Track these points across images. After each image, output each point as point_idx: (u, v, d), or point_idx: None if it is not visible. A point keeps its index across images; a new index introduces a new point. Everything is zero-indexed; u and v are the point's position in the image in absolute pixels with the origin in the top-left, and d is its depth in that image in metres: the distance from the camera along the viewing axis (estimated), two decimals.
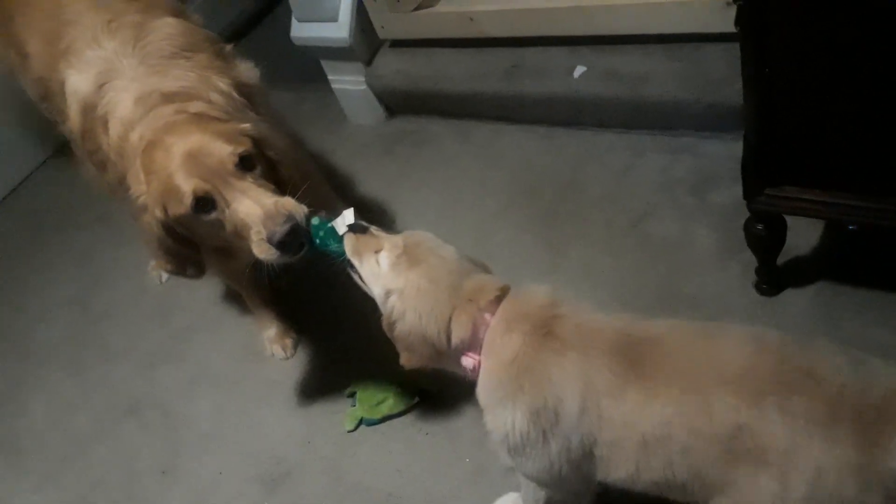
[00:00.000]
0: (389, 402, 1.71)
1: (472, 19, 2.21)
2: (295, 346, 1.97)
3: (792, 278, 1.62)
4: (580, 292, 1.78)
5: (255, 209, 1.40)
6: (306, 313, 2.03)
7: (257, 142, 1.52)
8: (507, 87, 2.21)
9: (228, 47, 1.83)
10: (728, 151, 1.86)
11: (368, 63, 2.45)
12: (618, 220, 1.92)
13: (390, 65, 2.43)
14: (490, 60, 2.26)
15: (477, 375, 1.18)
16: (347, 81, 2.52)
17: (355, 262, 1.27)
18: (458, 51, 2.33)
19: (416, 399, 1.70)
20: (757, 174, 1.44)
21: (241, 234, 1.44)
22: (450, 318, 1.16)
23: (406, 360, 1.23)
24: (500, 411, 1.14)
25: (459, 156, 2.31)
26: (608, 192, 2.00)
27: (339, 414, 1.77)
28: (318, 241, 1.39)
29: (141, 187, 1.49)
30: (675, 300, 1.70)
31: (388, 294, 1.20)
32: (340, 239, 1.33)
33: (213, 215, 1.44)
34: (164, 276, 2.32)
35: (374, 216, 2.20)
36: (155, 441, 1.91)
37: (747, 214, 1.53)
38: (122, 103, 1.56)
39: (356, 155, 2.47)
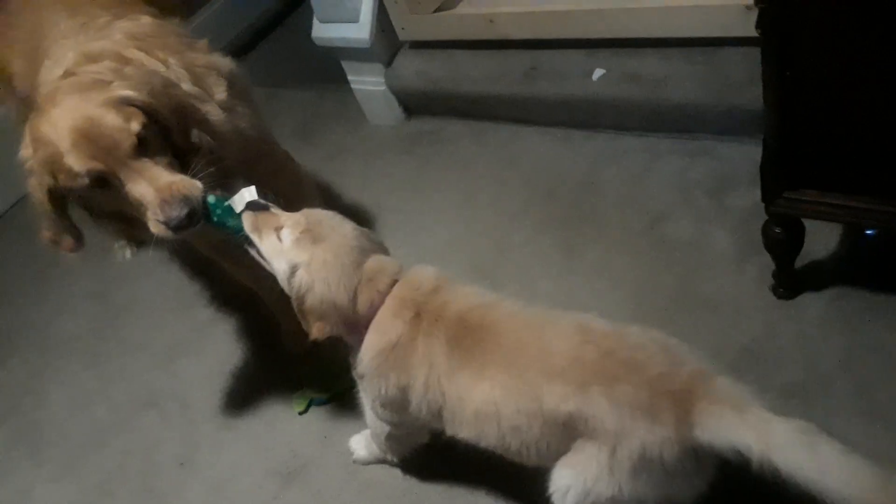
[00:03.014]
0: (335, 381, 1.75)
1: (492, 21, 2.23)
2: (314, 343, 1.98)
3: (809, 282, 1.62)
4: (597, 293, 1.81)
5: (150, 193, 1.38)
6: None
7: (149, 107, 1.43)
8: (526, 88, 2.23)
9: (202, 42, 1.73)
10: (746, 154, 1.87)
11: (388, 64, 2.48)
12: (635, 222, 1.93)
13: (410, 66, 2.46)
14: (509, 62, 2.28)
15: (360, 346, 1.32)
16: (367, 82, 2.54)
17: (254, 238, 1.33)
18: (478, 52, 2.35)
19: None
20: (776, 177, 1.45)
21: (137, 210, 1.42)
22: (356, 289, 1.27)
23: (319, 330, 1.30)
24: (377, 381, 1.31)
25: (477, 157, 2.33)
26: (625, 194, 2.01)
27: (354, 409, 1.78)
28: (215, 218, 1.40)
29: (28, 151, 1.45)
30: (691, 302, 1.70)
31: (293, 268, 1.27)
32: (238, 216, 1.36)
33: (109, 191, 1.42)
34: (129, 253, 2.36)
35: (390, 216, 2.23)
36: (173, 433, 1.93)
37: (764, 217, 1.53)
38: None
39: (375, 154, 2.49)
